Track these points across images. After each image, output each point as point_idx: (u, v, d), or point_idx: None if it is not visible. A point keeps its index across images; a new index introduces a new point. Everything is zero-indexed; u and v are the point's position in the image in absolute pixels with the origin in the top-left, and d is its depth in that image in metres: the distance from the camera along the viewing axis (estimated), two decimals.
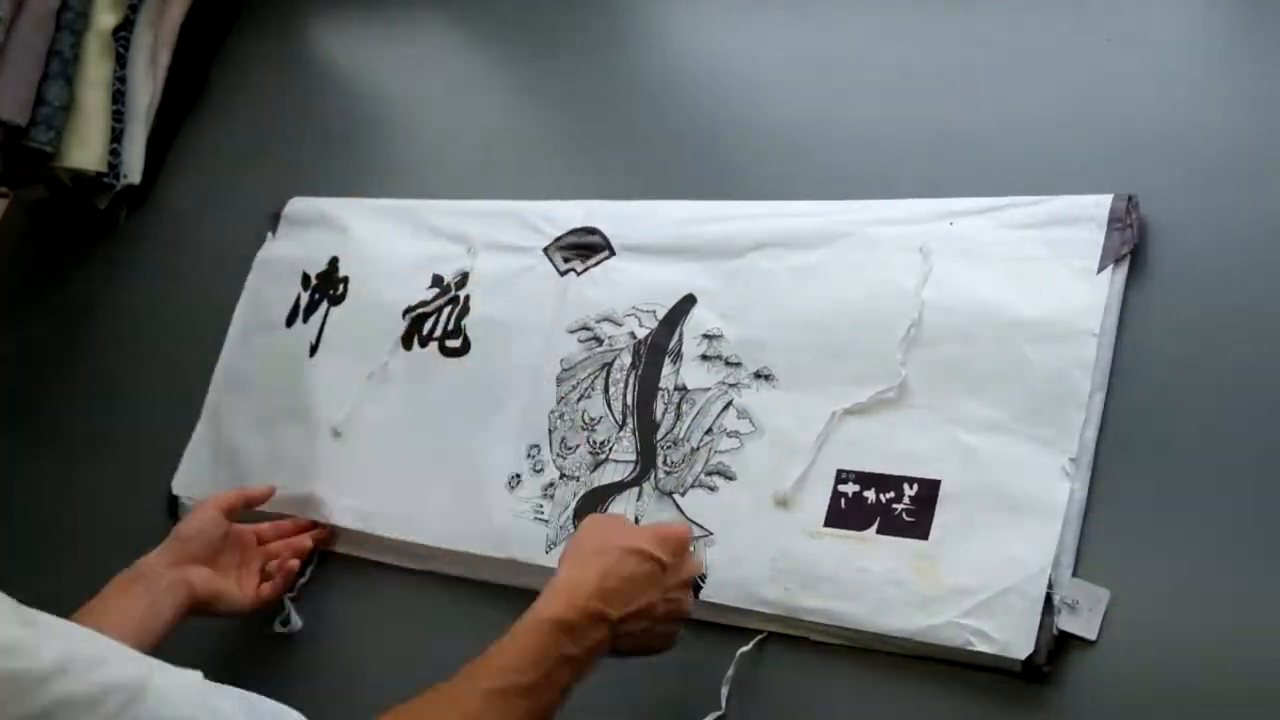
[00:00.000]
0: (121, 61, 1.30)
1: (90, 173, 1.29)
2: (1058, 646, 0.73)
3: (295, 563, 0.98)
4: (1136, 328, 0.80)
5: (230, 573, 0.96)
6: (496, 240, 1.07)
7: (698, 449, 0.89)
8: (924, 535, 0.79)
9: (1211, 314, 0.79)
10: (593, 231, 1.02)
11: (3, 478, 1.29)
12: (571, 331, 0.99)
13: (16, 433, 1.32)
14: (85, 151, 1.28)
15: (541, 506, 0.93)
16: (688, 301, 0.95)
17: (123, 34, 1.30)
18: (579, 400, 0.96)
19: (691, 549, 0.77)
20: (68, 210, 1.39)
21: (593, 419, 0.94)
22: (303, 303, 1.15)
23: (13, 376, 1.37)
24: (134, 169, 1.34)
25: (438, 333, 1.06)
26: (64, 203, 1.38)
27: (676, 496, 0.88)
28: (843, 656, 0.79)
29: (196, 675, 0.55)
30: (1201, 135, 0.84)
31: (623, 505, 0.90)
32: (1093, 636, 0.72)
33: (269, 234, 1.23)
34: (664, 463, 0.90)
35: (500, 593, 0.92)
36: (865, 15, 1.03)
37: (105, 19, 1.28)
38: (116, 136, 1.31)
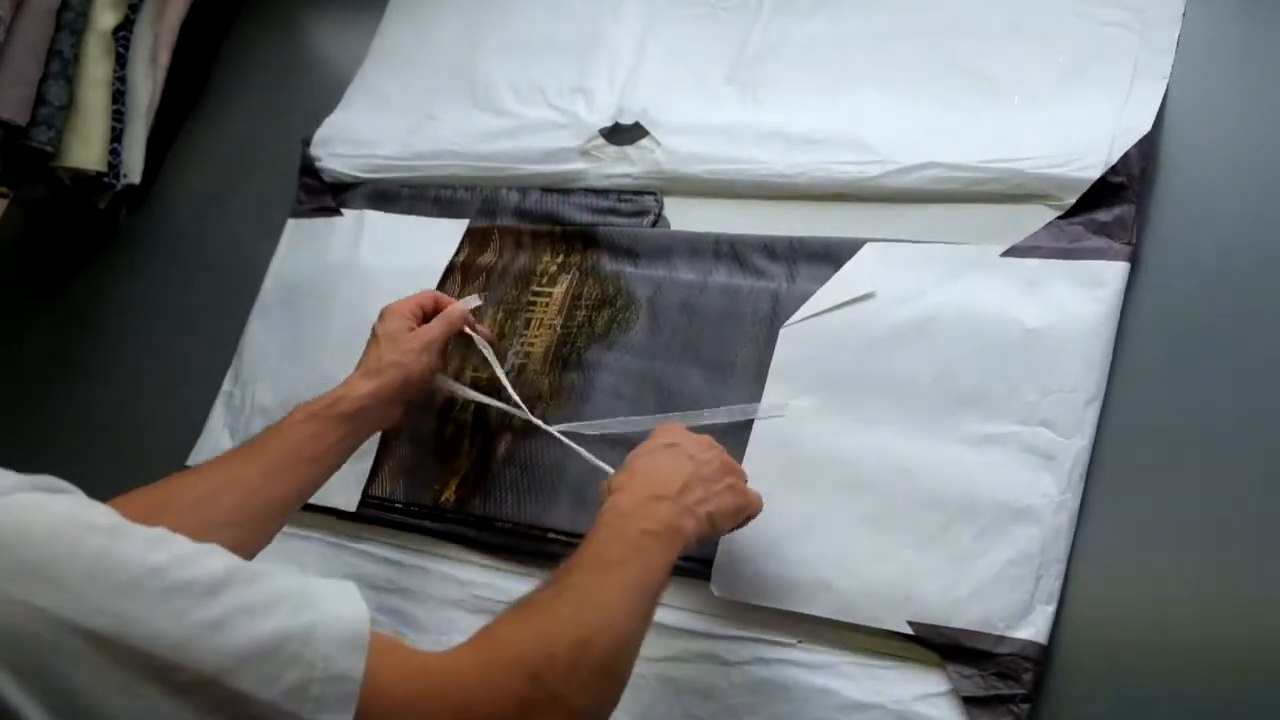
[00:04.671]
0: (121, 61, 1.30)
1: (90, 173, 1.29)
2: (1044, 657, 0.73)
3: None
4: (1133, 337, 0.80)
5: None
6: None
7: None
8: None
9: (1210, 323, 0.79)
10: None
11: None
12: None
13: (15, 434, 1.32)
14: (85, 151, 1.28)
15: None
16: None
17: (123, 34, 1.30)
18: None
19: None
20: (68, 210, 1.39)
21: None
22: None
23: (12, 377, 1.37)
24: (134, 169, 1.34)
25: None
26: (64, 203, 1.38)
27: None
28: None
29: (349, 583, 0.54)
30: (1202, 133, 0.85)
31: None
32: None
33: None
34: None
35: None
36: None
37: (105, 19, 1.28)
38: (116, 136, 1.31)
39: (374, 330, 0.93)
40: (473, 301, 1.00)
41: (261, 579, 0.48)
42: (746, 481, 0.79)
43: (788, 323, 0.90)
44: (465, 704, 0.52)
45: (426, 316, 0.95)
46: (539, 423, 0.94)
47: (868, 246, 0.89)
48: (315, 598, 0.49)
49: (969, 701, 0.73)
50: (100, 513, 0.49)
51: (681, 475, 0.73)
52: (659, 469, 0.73)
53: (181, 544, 0.48)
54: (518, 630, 0.58)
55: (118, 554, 0.46)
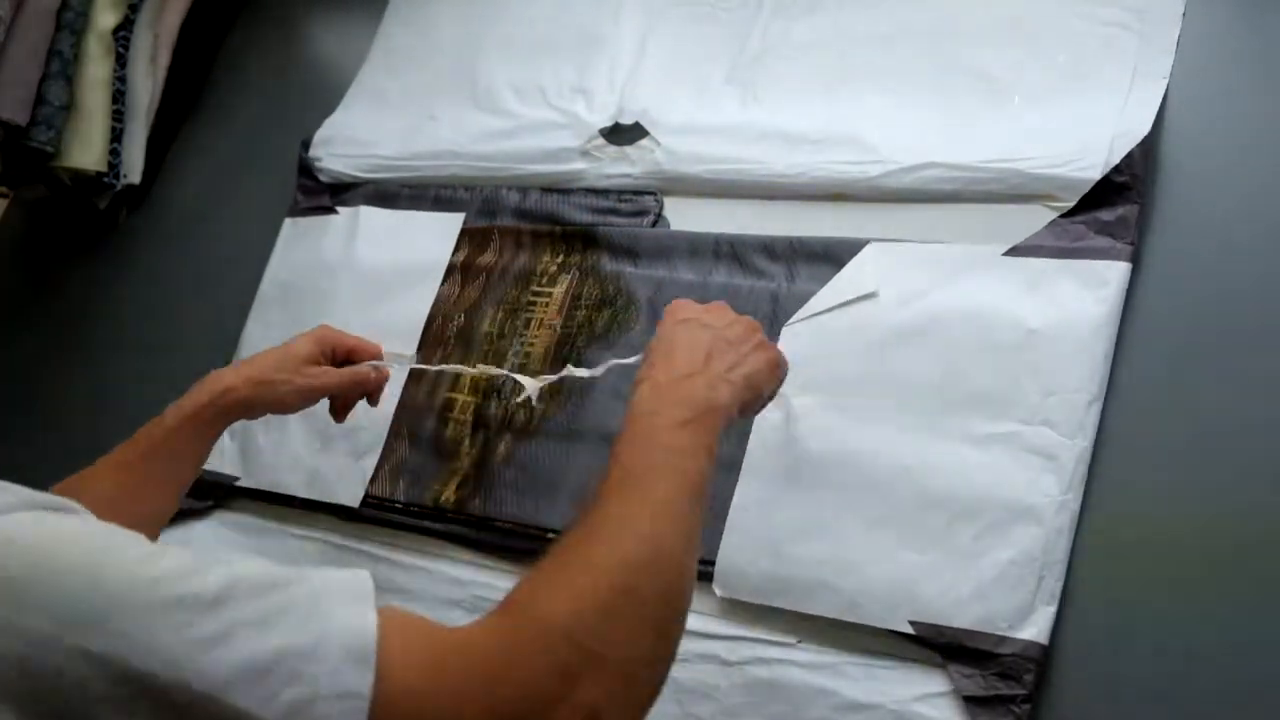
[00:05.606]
0: (121, 61, 1.30)
1: (90, 173, 1.29)
2: (1045, 658, 0.73)
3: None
4: (1134, 337, 0.80)
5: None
6: None
7: None
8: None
9: (1210, 323, 0.79)
10: None
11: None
12: None
13: (16, 433, 1.32)
14: (85, 151, 1.28)
15: None
16: None
17: (123, 34, 1.30)
18: None
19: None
20: (68, 210, 1.39)
21: None
22: None
23: (10, 377, 1.37)
24: (134, 169, 1.34)
25: None
26: (64, 203, 1.38)
27: None
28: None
29: (364, 576, 0.49)
30: (1202, 133, 0.85)
31: None
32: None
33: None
34: None
35: None
36: None
37: (105, 19, 1.28)
38: (116, 136, 1.31)
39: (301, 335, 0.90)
40: (398, 364, 0.98)
41: (268, 592, 0.46)
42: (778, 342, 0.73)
43: (789, 322, 0.90)
44: (493, 682, 0.47)
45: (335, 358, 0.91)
46: (525, 380, 0.91)
47: (870, 246, 0.89)
48: (325, 607, 0.46)
49: (970, 701, 0.73)
50: (98, 529, 0.48)
51: (703, 345, 0.67)
52: (678, 346, 0.67)
53: (178, 556, 0.47)
54: (545, 589, 0.51)
55: (113, 569, 0.45)
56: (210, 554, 0.49)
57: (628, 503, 0.56)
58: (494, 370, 0.96)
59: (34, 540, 0.45)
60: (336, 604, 0.46)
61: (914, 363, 0.84)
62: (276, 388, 0.86)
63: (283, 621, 0.45)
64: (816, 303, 0.89)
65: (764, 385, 0.70)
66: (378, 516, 1.02)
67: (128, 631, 0.43)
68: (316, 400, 0.89)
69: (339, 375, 0.89)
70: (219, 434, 0.86)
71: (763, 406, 0.72)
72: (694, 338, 0.67)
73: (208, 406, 0.83)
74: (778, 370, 0.72)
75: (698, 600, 0.84)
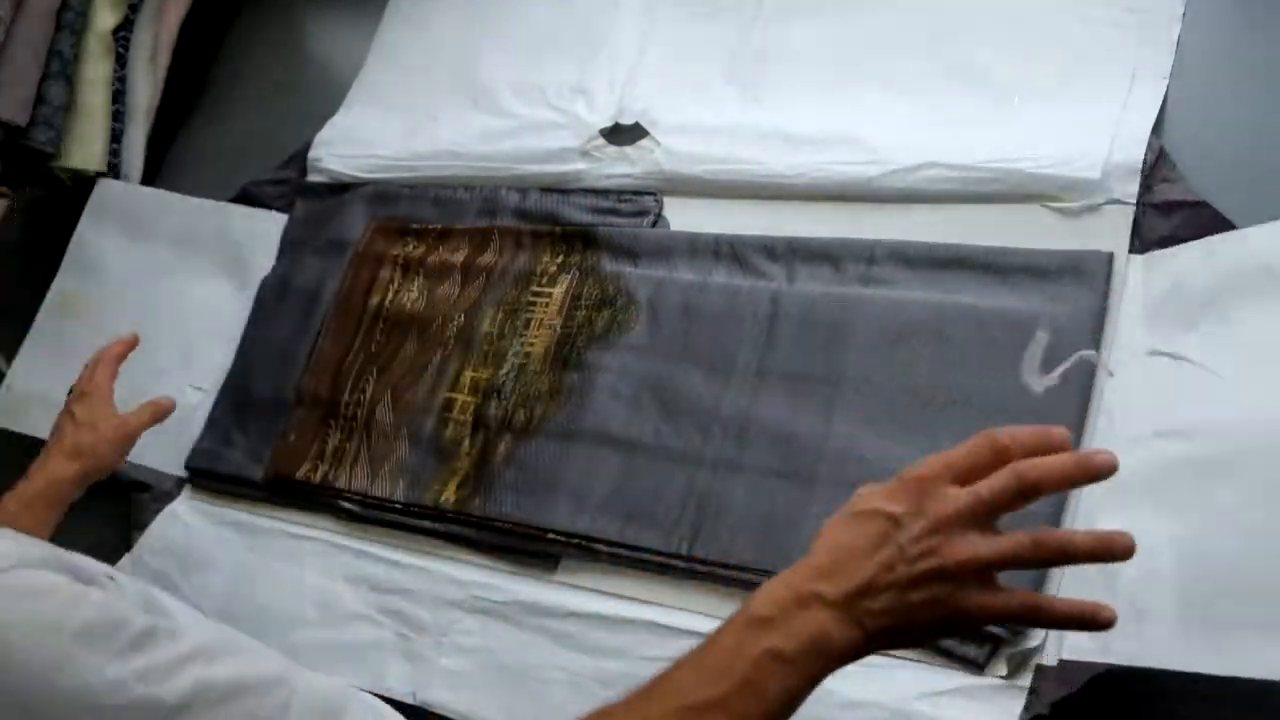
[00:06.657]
0: (121, 61, 1.30)
1: (90, 173, 1.29)
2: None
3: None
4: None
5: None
6: None
7: None
8: None
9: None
10: None
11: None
12: None
13: (17, 435, 1.32)
14: (85, 151, 1.29)
15: None
16: None
17: (123, 34, 1.30)
18: None
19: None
20: (68, 210, 1.39)
21: None
22: None
23: None
24: (134, 169, 1.34)
25: None
26: (64, 203, 1.38)
27: None
28: None
29: (342, 688, 0.48)
30: (1201, 133, 0.85)
31: None
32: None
33: None
34: None
35: None
36: None
37: (105, 19, 1.28)
38: (116, 136, 1.31)
39: (71, 409, 0.90)
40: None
41: (230, 701, 0.44)
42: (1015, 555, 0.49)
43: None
44: None
45: None
46: None
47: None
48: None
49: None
50: (84, 609, 0.45)
51: (864, 571, 0.50)
52: (851, 547, 0.50)
53: (163, 651, 0.44)
54: None
55: (77, 667, 0.43)
56: (179, 612, 0.48)
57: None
58: None
59: (10, 612, 0.43)
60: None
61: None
62: (97, 451, 0.88)
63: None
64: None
65: (920, 636, 0.51)
66: (378, 517, 1.02)
67: None
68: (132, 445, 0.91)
69: (141, 416, 0.91)
70: (51, 523, 0.86)
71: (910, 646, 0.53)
72: (867, 545, 0.50)
73: (38, 498, 0.85)
74: (958, 617, 0.50)
75: (687, 596, 0.84)
